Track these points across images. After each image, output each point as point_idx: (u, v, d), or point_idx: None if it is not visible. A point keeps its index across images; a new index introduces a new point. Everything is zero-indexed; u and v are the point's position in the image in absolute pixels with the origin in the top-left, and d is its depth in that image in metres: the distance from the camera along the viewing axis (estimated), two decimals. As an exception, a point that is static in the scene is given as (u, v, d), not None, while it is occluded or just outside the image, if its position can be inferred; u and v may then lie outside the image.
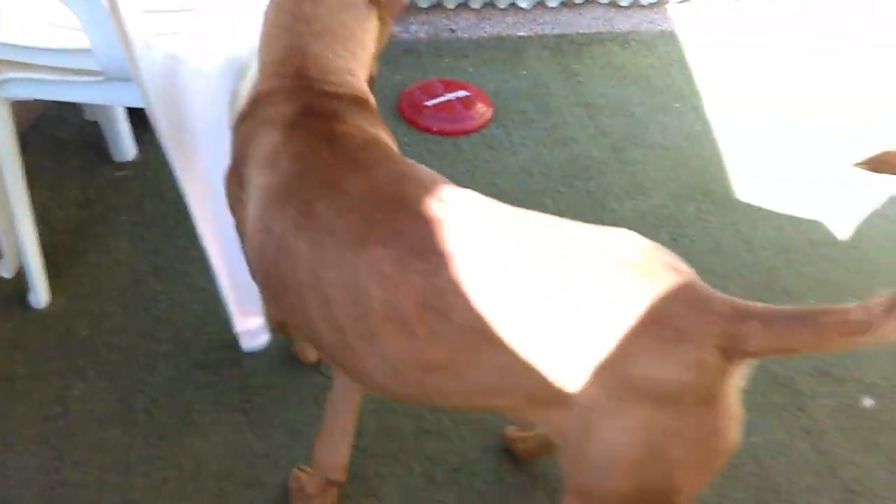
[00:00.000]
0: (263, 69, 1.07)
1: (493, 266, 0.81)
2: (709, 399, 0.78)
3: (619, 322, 0.77)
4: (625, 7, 2.79)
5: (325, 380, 1.50)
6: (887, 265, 1.89)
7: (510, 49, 2.57)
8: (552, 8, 2.74)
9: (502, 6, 2.70)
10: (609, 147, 2.19)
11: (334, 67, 1.02)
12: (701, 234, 1.93)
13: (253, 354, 1.54)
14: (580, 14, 2.76)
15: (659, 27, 2.76)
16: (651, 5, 2.83)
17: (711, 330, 0.77)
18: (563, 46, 2.60)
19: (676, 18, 2.81)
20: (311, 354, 1.52)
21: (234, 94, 1.43)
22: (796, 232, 1.96)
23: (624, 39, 2.66)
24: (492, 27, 2.67)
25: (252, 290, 1.49)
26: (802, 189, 2.08)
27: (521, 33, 2.66)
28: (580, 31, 2.68)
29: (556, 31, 2.67)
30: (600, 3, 2.79)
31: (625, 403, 0.78)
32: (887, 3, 2.88)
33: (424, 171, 0.95)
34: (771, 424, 1.51)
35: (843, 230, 1.98)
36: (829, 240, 1.95)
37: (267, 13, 1.09)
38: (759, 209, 2.02)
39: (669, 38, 2.71)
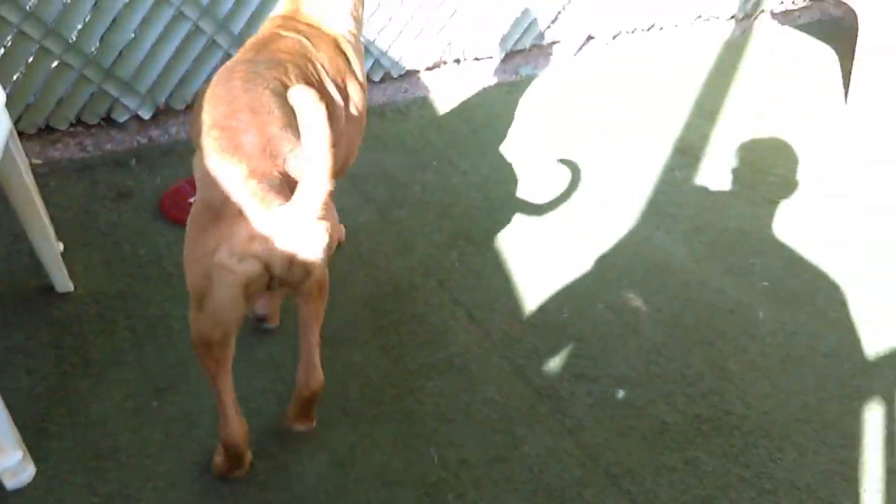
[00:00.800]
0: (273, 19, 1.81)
1: (225, 104, 1.44)
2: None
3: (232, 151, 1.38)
4: (378, 82, 3.02)
5: (98, 499, 1.46)
6: (629, 270, 2.16)
7: (274, 135, 2.67)
8: (310, 92, 2.89)
9: (261, 97, 2.82)
10: (375, 211, 2.34)
11: (315, 13, 1.79)
12: (465, 276, 2.11)
13: (20, 492, 1.46)
14: (337, 93, 2.93)
15: (412, 95, 3.01)
16: (402, 77, 3.08)
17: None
18: (325, 125, 2.74)
19: (428, 85, 3.07)
20: None
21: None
22: (550, 257, 2.20)
23: (380, 111, 2.87)
24: (254, 118, 2.77)
25: (5, 426, 1.44)
26: (554, 220, 2.33)
27: (283, 119, 2.78)
28: (339, 109, 2.85)
29: (317, 113, 2.82)
30: (355, 81, 2.99)
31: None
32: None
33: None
34: (538, 432, 1.66)
35: (592, 249, 2.25)
36: (577, 258, 2.21)
37: None
38: (515, 243, 2.24)
39: (423, 103, 2.96)
